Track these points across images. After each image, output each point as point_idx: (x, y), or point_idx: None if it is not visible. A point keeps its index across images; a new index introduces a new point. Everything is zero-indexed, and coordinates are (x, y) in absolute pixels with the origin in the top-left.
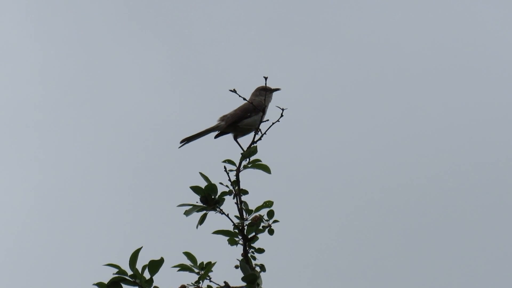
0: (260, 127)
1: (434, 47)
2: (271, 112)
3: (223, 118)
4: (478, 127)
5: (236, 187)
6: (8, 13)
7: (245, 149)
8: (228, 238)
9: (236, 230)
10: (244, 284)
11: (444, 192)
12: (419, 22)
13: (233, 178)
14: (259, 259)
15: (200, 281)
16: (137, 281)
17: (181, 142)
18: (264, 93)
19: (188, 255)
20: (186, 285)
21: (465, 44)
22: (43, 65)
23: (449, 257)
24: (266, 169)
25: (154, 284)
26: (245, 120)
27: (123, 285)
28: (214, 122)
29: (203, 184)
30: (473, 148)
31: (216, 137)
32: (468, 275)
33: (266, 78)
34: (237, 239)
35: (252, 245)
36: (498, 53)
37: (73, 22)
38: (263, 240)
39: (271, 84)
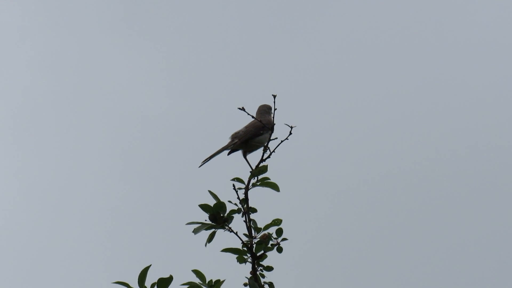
0: (268, 145)
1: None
2: (280, 129)
3: (235, 136)
4: (478, 108)
5: (245, 205)
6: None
7: (253, 167)
8: (237, 256)
9: (245, 248)
10: None
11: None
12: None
13: (242, 196)
14: (268, 277)
15: None
16: None
17: (201, 163)
18: (272, 111)
19: (197, 273)
20: None
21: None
22: (35, 64)
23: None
24: (275, 187)
25: None
26: (257, 137)
27: None
28: (226, 140)
29: (211, 202)
30: (472, 131)
31: (229, 154)
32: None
33: (275, 96)
34: (246, 257)
35: (261, 263)
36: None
37: (68, 23)
38: (272, 258)
39: (275, 96)
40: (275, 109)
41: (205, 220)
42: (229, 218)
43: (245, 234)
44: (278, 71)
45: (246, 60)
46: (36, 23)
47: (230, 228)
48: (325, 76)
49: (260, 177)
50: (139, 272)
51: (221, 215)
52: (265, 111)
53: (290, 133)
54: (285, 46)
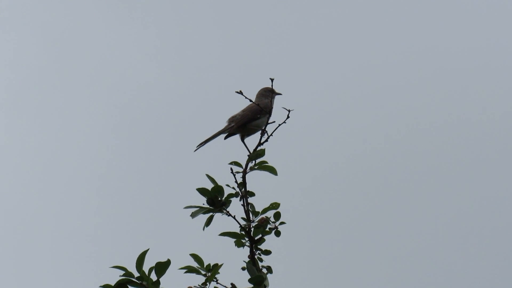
0: (266, 129)
1: None
2: (277, 113)
3: (232, 119)
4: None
5: (243, 189)
6: None
7: (251, 150)
8: (234, 240)
9: (243, 232)
10: (251, 285)
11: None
12: None
13: (239, 180)
14: (266, 260)
15: (207, 283)
16: (144, 283)
17: (197, 147)
18: (270, 94)
19: (195, 257)
20: (193, 287)
21: None
22: (25, 34)
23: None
24: (272, 170)
25: (161, 286)
26: (254, 121)
27: (130, 287)
28: (223, 124)
29: (209, 186)
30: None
31: (225, 138)
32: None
33: (272, 80)
34: (243, 241)
35: (259, 246)
36: None
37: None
38: (269, 241)
39: (272, 79)
40: (272, 91)
41: (203, 204)
42: (227, 202)
43: (243, 218)
44: (271, 42)
45: (237, 32)
46: None
47: (228, 212)
48: (315, 52)
49: (257, 160)
50: (137, 256)
51: (219, 199)
52: (265, 95)
53: (288, 117)
54: (277, 18)
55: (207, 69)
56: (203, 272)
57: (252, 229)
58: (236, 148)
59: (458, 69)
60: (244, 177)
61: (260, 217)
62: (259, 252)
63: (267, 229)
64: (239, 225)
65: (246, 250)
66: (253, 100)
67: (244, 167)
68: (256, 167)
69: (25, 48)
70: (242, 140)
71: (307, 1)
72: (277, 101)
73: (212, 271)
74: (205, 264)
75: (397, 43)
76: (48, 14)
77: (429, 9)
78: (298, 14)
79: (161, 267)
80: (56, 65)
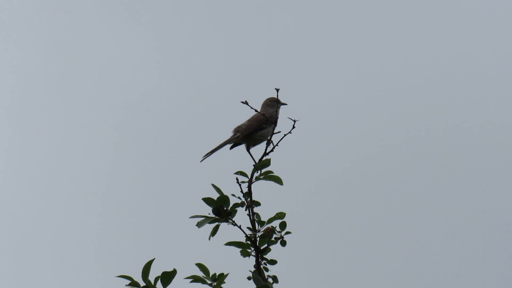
0: (272, 139)
1: None
2: (283, 123)
3: (237, 129)
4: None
5: (248, 199)
6: None
7: (256, 160)
8: (240, 249)
9: (249, 242)
10: None
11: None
12: None
13: (245, 189)
14: (272, 270)
15: None
16: None
17: (203, 157)
18: (275, 105)
19: (201, 266)
20: None
21: None
22: (27, 40)
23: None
24: (278, 180)
25: None
26: (259, 131)
27: None
28: (229, 134)
29: (215, 195)
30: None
31: (231, 148)
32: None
33: (278, 90)
34: (249, 250)
35: (264, 256)
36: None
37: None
38: (275, 251)
39: (278, 90)
40: (278, 101)
41: (209, 214)
42: (233, 212)
43: (248, 228)
44: (275, 47)
45: (241, 37)
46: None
47: (233, 221)
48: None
49: (263, 170)
50: (143, 266)
51: (225, 208)
52: (270, 105)
53: (293, 127)
54: (280, 23)
55: (211, 75)
56: (209, 282)
57: (258, 239)
58: (242, 158)
59: (460, 72)
60: (249, 187)
61: (265, 226)
62: (265, 261)
63: (273, 239)
64: (244, 235)
65: (251, 260)
66: (259, 110)
67: (249, 177)
68: (261, 177)
69: (27, 53)
70: (248, 150)
71: (309, 6)
72: (283, 111)
73: (218, 280)
74: (211, 273)
75: (399, 47)
76: (50, 19)
77: (432, 13)
78: (301, 19)
79: (167, 277)
80: (58, 70)
